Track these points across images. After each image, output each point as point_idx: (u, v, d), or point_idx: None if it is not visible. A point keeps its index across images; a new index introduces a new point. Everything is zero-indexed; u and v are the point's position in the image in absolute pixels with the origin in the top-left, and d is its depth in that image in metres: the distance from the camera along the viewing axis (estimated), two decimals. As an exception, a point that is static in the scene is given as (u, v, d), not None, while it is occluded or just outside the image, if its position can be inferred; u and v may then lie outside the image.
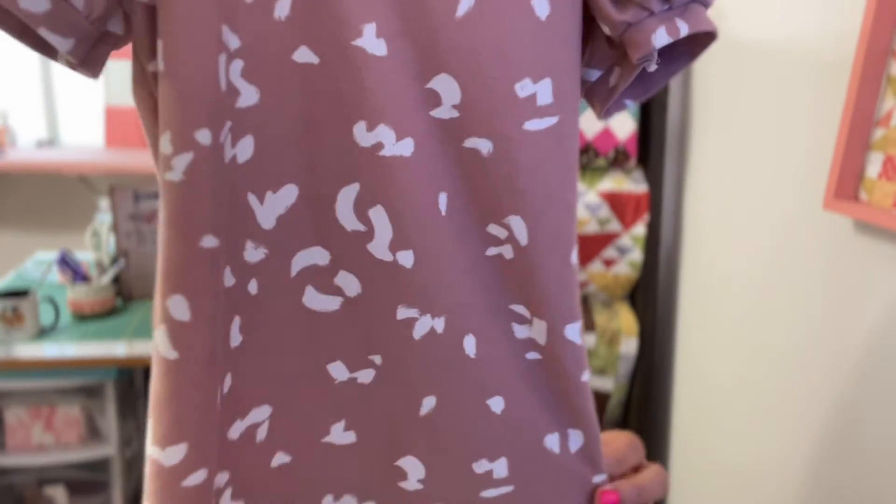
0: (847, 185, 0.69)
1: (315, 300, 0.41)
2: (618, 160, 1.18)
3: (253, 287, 0.40)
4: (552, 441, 0.45)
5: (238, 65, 0.36)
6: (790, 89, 0.83)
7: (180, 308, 0.37)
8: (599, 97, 0.44)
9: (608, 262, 1.23)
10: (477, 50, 0.38)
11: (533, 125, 0.40)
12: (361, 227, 0.39)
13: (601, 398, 1.28)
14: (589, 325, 1.24)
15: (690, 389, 1.16)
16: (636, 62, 0.39)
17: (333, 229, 0.39)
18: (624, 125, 1.17)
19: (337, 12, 0.36)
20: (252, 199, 0.39)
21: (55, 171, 2.34)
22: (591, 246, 1.21)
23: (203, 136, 0.35)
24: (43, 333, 1.37)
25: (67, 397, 1.36)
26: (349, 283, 0.40)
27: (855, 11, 0.70)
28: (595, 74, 0.44)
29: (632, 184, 1.19)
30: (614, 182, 1.20)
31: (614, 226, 1.20)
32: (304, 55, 0.37)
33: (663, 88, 1.13)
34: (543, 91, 0.40)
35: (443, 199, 0.40)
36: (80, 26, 0.36)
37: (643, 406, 1.26)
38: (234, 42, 0.36)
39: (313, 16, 0.36)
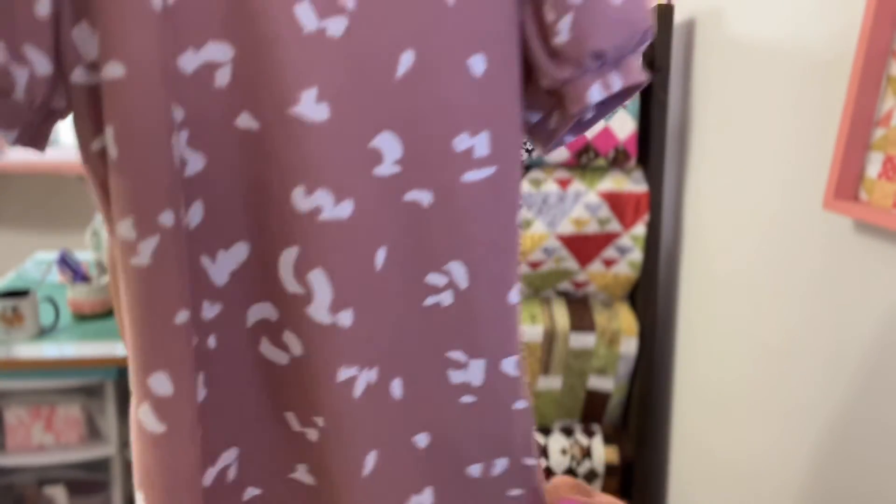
0: (847, 185, 0.69)
1: (269, 351, 0.42)
2: (618, 160, 1.18)
3: (212, 342, 0.41)
4: (475, 469, 0.47)
5: (183, 135, 0.37)
6: (790, 89, 0.83)
7: (163, 384, 0.38)
8: (541, 138, 0.47)
9: (608, 262, 1.23)
10: (416, 108, 0.39)
11: (471, 176, 0.42)
12: (300, 291, 0.39)
13: (601, 398, 1.28)
14: (589, 325, 1.23)
15: (690, 389, 1.16)
16: (573, 114, 0.41)
17: (278, 290, 0.40)
18: (624, 125, 1.17)
19: (276, 79, 0.37)
20: (205, 260, 0.40)
21: (55, 171, 2.34)
22: (591, 246, 1.21)
23: (166, 218, 0.36)
24: (43, 333, 1.37)
25: (67, 397, 1.36)
26: (293, 343, 0.41)
27: (855, 11, 0.70)
28: (535, 117, 0.47)
29: (632, 184, 1.19)
30: (614, 182, 1.19)
31: (614, 226, 1.20)
32: (245, 121, 0.37)
33: (663, 88, 1.13)
34: (481, 144, 0.41)
35: (381, 253, 0.41)
36: (23, 116, 0.36)
37: (643, 406, 1.26)
38: (179, 115, 0.37)
39: (253, 82, 0.37)
